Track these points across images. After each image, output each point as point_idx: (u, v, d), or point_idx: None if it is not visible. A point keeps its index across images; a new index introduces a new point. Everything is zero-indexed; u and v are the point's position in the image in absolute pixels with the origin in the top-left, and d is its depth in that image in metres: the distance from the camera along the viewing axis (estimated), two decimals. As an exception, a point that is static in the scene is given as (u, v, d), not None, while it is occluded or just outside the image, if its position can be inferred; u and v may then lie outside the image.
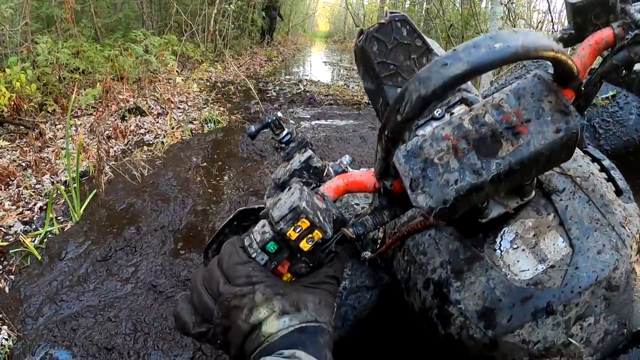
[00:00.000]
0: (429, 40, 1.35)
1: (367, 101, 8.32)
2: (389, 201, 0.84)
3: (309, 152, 1.03)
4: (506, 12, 8.29)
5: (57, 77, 6.09)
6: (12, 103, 5.26)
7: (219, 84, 8.23)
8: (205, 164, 4.41)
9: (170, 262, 2.89)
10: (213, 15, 10.39)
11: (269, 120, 1.11)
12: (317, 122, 6.48)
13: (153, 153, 4.65)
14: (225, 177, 4.21)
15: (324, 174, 1.00)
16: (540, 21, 9.11)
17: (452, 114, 1.16)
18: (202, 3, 10.31)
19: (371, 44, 1.27)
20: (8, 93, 5.03)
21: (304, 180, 0.99)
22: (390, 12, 1.30)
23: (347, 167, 1.03)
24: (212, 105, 6.64)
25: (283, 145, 1.10)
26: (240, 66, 11.01)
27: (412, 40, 1.28)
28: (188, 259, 2.93)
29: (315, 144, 5.02)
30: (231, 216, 0.92)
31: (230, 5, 10.35)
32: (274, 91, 8.65)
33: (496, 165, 0.74)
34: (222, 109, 6.54)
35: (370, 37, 1.26)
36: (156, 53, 8.19)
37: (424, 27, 14.16)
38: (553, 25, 8.72)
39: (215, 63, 10.39)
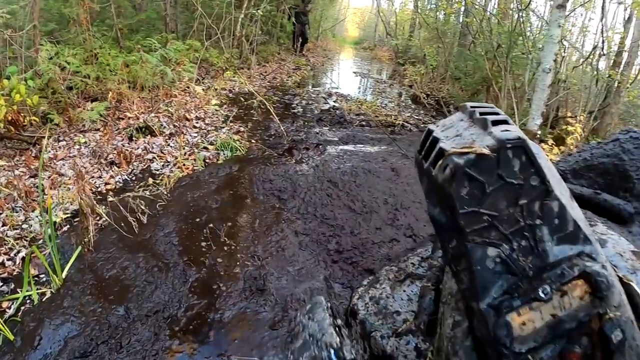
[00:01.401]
0: (541, 158, 0.98)
1: (402, 123, 7.64)
2: None
3: None
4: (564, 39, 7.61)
5: (64, 86, 5.51)
6: (10, 117, 4.70)
7: (241, 97, 7.58)
8: (215, 211, 3.69)
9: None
10: (240, 19, 9.81)
11: None
12: (344, 147, 5.78)
13: (157, 189, 4.00)
14: (239, 236, 3.44)
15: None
16: (594, 46, 8.34)
17: (564, 294, 0.93)
18: (229, 6, 9.70)
19: (460, 184, 0.86)
20: (4, 107, 4.46)
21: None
22: (495, 122, 0.99)
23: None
24: (231, 124, 5.99)
25: None
26: (267, 74, 10.38)
27: (525, 177, 0.92)
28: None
29: (341, 178, 4.32)
30: None
31: (258, 10, 9.73)
32: (301, 106, 7.99)
33: None
34: (242, 129, 5.89)
35: (460, 174, 0.88)
36: (177, 59, 7.64)
37: (460, 41, 13.39)
38: (603, 53, 8.00)
39: (241, 70, 9.78)
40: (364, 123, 7.33)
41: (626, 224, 2.42)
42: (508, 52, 8.00)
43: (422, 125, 7.93)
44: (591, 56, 8.40)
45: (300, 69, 12.10)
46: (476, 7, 10.33)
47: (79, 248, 3.03)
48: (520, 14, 7.82)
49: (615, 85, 8.83)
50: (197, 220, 3.53)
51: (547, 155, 6.70)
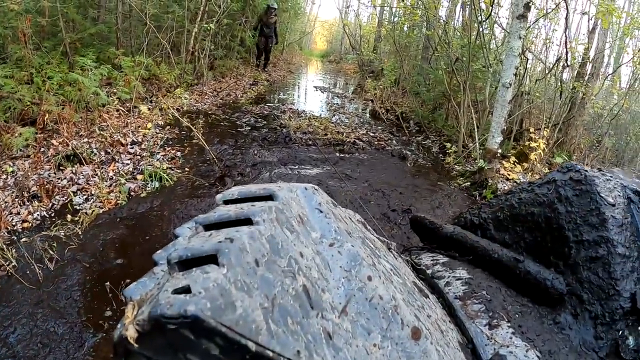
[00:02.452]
0: None
1: (353, 140, 7.59)
2: None
3: None
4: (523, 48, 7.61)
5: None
6: None
7: (189, 116, 7.43)
8: (121, 260, 3.51)
9: None
10: (193, 33, 9.65)
11: None
12: (280, 170, 5.69)
13: (73, 228, 3.85)
14: None
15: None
16: (557, 57, 8.38)
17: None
18: (182, 19, 9.52)
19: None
20: None
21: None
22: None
23: None
24: (169, 148, 5.85)
25: None
26: (221, 90, 10.24)
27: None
28: None
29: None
30: None
31: (211, 25, 9.58)
32: (248, 124, 7.86)
33: None
34: (178, 154, 5.74)
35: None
36: (121, 77, 7.46)
37: (422, 54, 13.44)
38: (567, 64, 8.05)
39: (193, 87, 9.62)
40: (310, 142, 7.23)
41: (554, 306, 1.82)
42: (468, 65, 7.97)
43: (377, 143, 7.90)
44: (555, 68, 8.42)
45: (257, 85, 11.96)
46: (440, 19, 10.34)
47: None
48: (481, 25, 7.79)
49: (580, 96, 8.94)
50: (103, 270, 3.38)
51: (509, 174, 6.72)
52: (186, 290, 0.74)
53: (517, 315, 1.73)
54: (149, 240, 3.77)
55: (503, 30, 9.85)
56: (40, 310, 2.93)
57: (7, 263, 3.32)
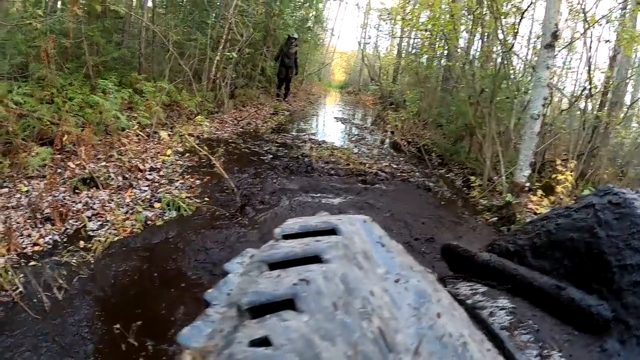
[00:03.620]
0: None
1: (375, 171, 7.40)
2: None
3: None
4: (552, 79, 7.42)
5: (10, 126, 5.16)
6: None
7: (210, 143, 7.29)
8: (132, 296, 3.27)
9: None
10: (215, 61, 9.62)
11: None
12: (302, 198, 5.49)
13: (85, 256, 3.63)
14: (152, 335, 2.88)
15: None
16: (582, 88, 8.21)
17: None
18: (205, 47, 9.53)
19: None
20: None
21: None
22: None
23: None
24: (188, 176, 5.67)
25: None
26: (242, 119, 10.15)
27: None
28: None
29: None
30: None
31: (233, 53, 9.56)
32: (270, 153, 7.71)
33: None
34: (198, 182, 5.56)
35: None
36: (143, 102, 7.39)
37: (443, 85, 13.33)
38: (590, 94, 7.84)
39: (214, 115, 9.53)
40: (332, 171, 7.07)
41: (600, 334, 1.69)
42: (492, 96, 7.81)
43: (399, 174, 7.71)
44: (579, 98, 8.24)
45: (277, 114, 11.88)
46: (458, 50, 10.23)
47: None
48: (504, 56, 7.66)
49: (603, 126, 8.68)
50: (113, 305, 3.14)
51: (537, 208, 6.44)
52: (264, 342, 0.66)
53: (566, 344, 1.65)
54: (163, 275, 3.52)
55: (521, 61, 9.75)
56: (45, 344, 2.69)
57: (14, 288, 3.10)
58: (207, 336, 0.79)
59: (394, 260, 1.11)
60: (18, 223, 4.08)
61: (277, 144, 8.48)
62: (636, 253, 1.71)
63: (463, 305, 1.83)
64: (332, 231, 1.03)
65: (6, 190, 4.66)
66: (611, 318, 1.68)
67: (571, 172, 6.76)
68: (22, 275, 3.25)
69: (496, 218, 6.12)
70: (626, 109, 9.86)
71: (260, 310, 0.75)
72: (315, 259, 0.89)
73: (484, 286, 2.09)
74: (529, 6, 7.77)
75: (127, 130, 6.32)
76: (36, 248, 3.78)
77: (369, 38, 28.05)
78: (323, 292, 0.77)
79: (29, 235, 3.96)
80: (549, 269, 2.02)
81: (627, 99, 11.16)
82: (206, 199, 5.10)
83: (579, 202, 2.11)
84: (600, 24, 8.01)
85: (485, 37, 9.75)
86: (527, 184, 6.17)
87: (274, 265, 0.92)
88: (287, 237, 1.06)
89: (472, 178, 7.71)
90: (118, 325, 2.82)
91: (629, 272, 1.69)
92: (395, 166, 8.33)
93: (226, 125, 9.21)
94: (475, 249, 2.43)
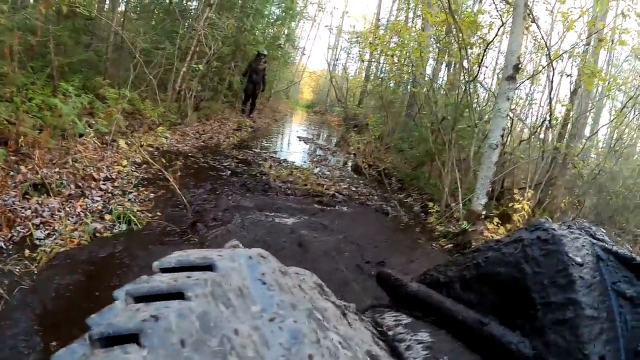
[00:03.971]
0: None
1: (333, 193, 7.51)
2: None
3: None
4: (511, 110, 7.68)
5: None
6: None
7: (168, 156, 7.29)
8: (71, 313, 3.17)
9: None
10: (182, 72, 9.63)
11: None
12: (255, 216, 5.55)
13: (29, 266, 3.59)
14: None
15: None
16: (542, 119, 8.60)
17: None
18: (172, 57, 9.49)
19: None
20: None
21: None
22: None
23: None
24: (143, 189, 5.66)
25: None
26: (204, 133, 10.15)
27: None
28: None
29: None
30: None
31: (200, 66, 9.58)
32: (229, 169, 7.75)
33: None
34: (152, 195, 5.56)
35: None
36: (104, 109, 7.31)
37: (407, 111, 13.63)
38: (550, 125, 8.22)
39: (176, 126, 9.50)
40: (289, 191, 7.16)
41: None
42: (454, 124, 8.07)
43: (357, 197, 7.85)
44: (539, 129, 8.59)
45: (241, 130, 11.92)
46: (425, 77, 10.54)
47: None
48: (468, 85, 7.90)
49: (562, 157, 9.06)
50: (52, 321, 3.10)
51: (493, 235, 6.56)
52: None
53: None
54: (104, 291, 3.51)
55: (486, 91, 10.12)
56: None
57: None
58: (79, 359, 0.84)
59: (273, 298, 1.13)
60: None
61: (237, 161, 8.53)
62: (560, 291, 1.70)
63: (384, 337, 1.88)
64: (209, 267, 1.08)
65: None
66: (532, 356, 1.67)
67: (528, 200, 7.03)
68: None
69: (452, 245, 6.29)
70: (584, 141, 10.38)
71: (115, 340, 0.79)
72: (179, 295, 0.93)
73: (410, 317, 2.08)
74: (494, 38, 8.07)
75: (85, 137, 6.24)
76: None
77: (337, 60, 28.52)
78: (171, 329, 0.81)
79: (-27, 241, 3.89)
80: (475, 302, 2.00)
81: (587, 131, 11.82)
82: (158, 213, 5.11)
83: (510, 236, 2.08)
84: (562, 59, 8.45)
85: (452, 65, 10.10)
86: (484, 212, 6.39)
87: (140, 299, 0.96)
88: (164, 270, 1.11)
89: (430, 204, 7.91)
90: (55, 343, 2.81)
91: (552, 310, 1.68)
92: (354, 189, 8.48)
93: (187, 138, 9.20)
94: (408, 278, 2.44)
